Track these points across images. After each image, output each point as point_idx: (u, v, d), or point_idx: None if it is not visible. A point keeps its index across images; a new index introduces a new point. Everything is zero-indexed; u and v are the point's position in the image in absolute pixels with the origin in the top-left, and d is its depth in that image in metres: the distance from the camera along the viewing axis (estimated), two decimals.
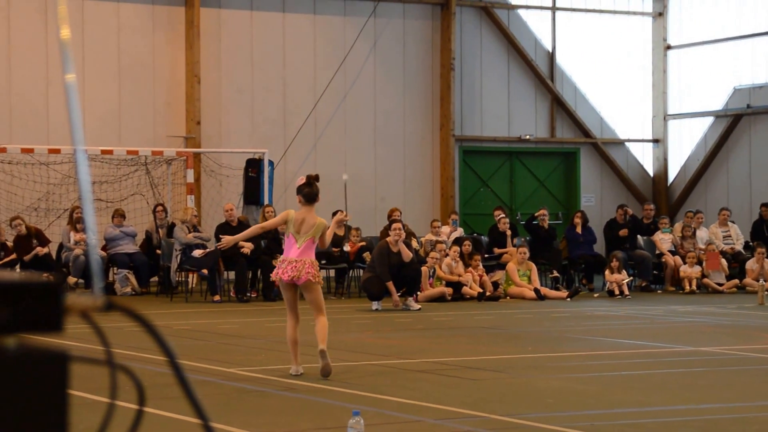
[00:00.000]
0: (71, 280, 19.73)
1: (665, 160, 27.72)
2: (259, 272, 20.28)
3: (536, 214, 22.52)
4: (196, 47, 23.17)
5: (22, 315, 1.95)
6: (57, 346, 2.00)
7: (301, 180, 10.68)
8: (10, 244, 19.97)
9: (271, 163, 22.74)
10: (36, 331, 1.97)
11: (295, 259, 10.39)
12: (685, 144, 27.56)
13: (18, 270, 19.33)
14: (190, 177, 22.55)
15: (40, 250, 19.84)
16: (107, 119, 22.61)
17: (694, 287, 21.64)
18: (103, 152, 21.75)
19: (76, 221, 20.35)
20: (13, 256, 19.73)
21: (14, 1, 22.24)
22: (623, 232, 22.49)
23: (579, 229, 22.45)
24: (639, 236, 22.88)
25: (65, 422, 2.00)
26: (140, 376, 2.28)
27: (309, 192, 10.48)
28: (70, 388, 2.00)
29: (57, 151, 21.44)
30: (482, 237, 22.71)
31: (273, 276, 10.80)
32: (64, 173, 22.00)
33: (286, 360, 10.81)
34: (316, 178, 10.61)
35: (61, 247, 20.67)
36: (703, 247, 22.51)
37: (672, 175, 27.73)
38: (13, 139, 21.78)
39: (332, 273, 21.45)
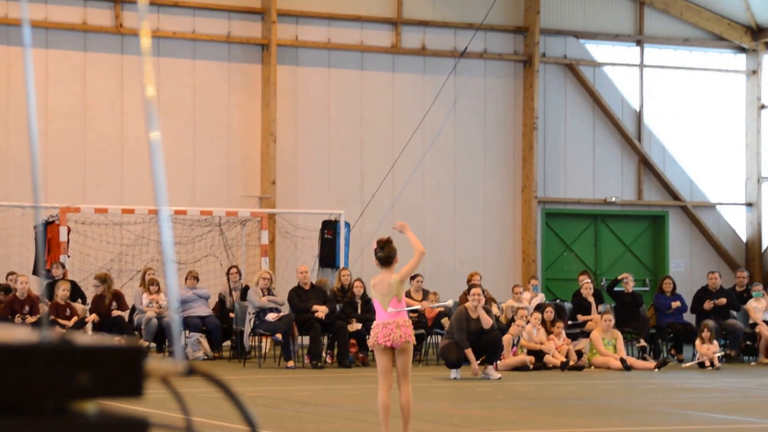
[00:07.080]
0: (143, 343, 19.24)
1: (759, 224, 26.92)
2: (334, 337, 19.77)
3: (618, 278, 21.77)
4: (272, 105, 22.88)
5: (102, 380, 1.94)
6: (136, 413, 1.99)
7: (375, 245, 10.78)
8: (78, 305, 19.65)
9: (347, 224, 22.27)
10: (116, 396, 1.97)
11: (389, 322, 10.37)
12: None
13: (90, 331, 18.98)
14: (265, 238, 22.17)
15: (113, 313, 19.45)
16: (181, 178, 22.37)
17: None
18: (177, 212, 21.46)
19: (149, 283, 20.03)
20: (93, 317, 19.28)
21: (90, 60, 22.21)
22: (720, 301, 21.55)
23: (668, 296, 21.63)
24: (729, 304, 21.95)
25: None
26: None
27: (382, 256, 10.53)
28: None
29: (131, 212, 21.23)
30: (565, 303, 22.01)
31: (370, 342, 10.77)
32: (137, 234, 21.76)
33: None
34: (388, 241, 10.60)
35: (133, 309, 20.33)
36: None
37: (766, 240, 26.81)
38: (86, 199, 21.66)
39: None
